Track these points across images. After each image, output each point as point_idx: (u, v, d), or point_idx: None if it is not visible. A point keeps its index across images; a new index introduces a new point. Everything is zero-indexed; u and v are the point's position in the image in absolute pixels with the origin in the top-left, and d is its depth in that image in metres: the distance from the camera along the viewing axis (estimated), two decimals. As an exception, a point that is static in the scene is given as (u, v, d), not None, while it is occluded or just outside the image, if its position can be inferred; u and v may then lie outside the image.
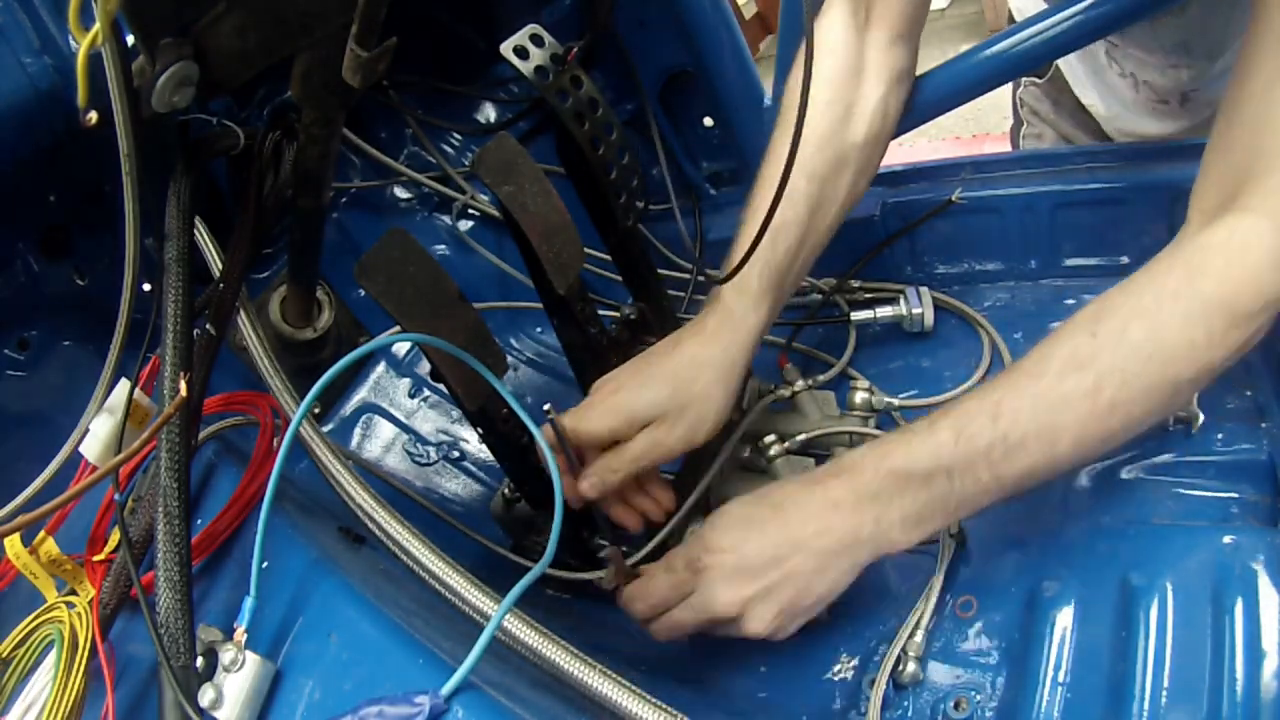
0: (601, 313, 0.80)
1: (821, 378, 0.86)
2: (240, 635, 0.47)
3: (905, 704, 0.62)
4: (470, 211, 1.13)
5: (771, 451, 0.76)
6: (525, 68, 0.70)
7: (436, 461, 1.01)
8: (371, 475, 0.89)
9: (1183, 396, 0.55)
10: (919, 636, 0.62)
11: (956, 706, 0.59)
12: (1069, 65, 1.13)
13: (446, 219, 1.14)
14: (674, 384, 0.68)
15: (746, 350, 0.70)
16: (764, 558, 0.60)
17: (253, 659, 0.46)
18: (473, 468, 1.00)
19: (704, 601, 0.61)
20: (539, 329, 1.13)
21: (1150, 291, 0.53)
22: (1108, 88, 1.10)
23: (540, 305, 0.77)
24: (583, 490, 0.68)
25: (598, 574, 0.70)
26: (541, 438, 0.61)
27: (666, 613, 0.64)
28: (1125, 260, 0.84)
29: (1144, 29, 0.96)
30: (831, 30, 0.73)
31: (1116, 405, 0.53)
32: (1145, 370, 0.52)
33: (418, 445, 1.02)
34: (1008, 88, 1.23)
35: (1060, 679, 0.56)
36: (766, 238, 0.61)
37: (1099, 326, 0.53)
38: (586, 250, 0.74)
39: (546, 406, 0.66)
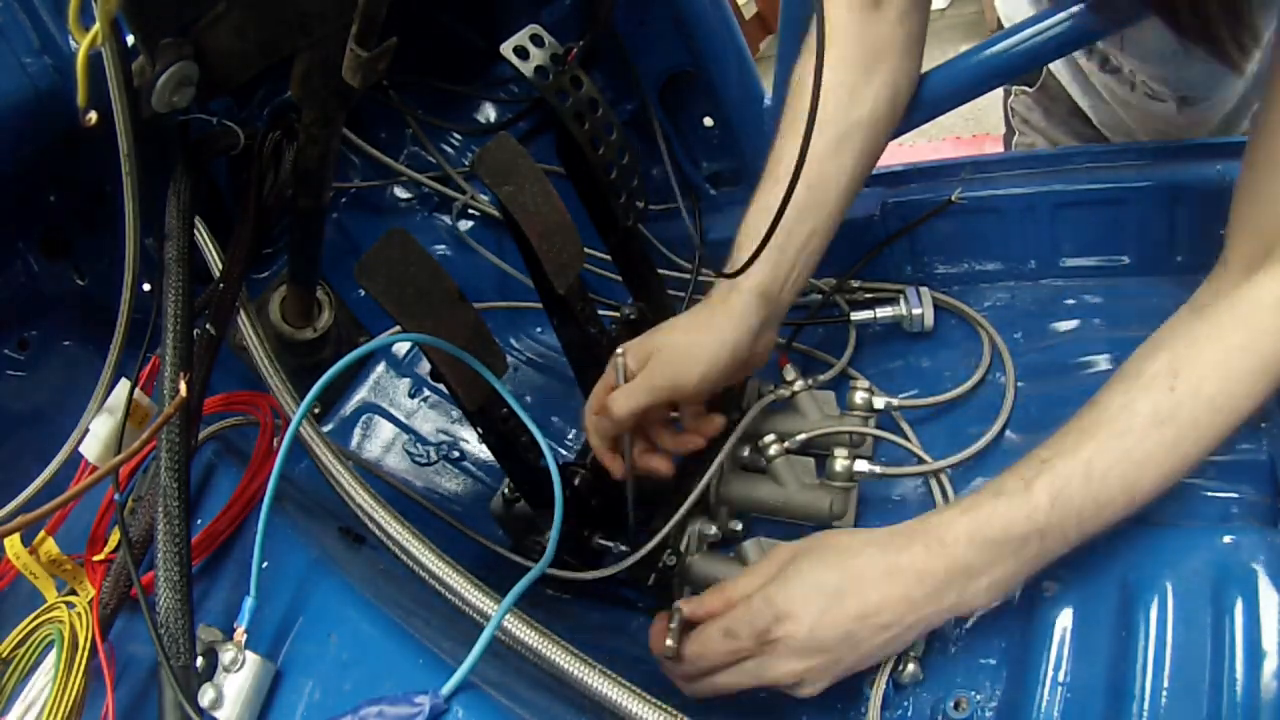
0: (601, 313, 0.80)
1: (822, 378, 0.86)
2: (240, 635, 0.47)
3: (905, 704, 0.62)
4: (470, 211, 1.13)
5: (771, 451, 0.76)
6: (525, 68, 0.70)
7: (436, 461, 1.01)
8: (371, 475, 0.89)
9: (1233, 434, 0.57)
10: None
11: (956, 706, 0.59)
12: (1061, 71, 1.13)
13: (446, 219, 1.14)
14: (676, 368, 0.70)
15: (763, 327, 0.72)
16: (838, 634, 0.56)
17: (253, 659, 0.46)
18: (473, 468, 1.00)
19: (762, 670, 0.58)
20: (539, 329, 1.13)
21: (1220, 348, 0.56)
22: (1099, 89, 1.10)
23: (540, 305, 0.77)
24: (593, 444, 0.73)
25: (601, 572, 0.71)
26: (539, 435, 0.61)
27: (711, 674, 0.61)
28: (1125, 260, 0.84)
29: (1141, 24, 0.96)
30: (837, 10, 0.72)
31: (1191, 455, 0.56)
32: (1215, 421, 0.56)
33: (418, 445, 1.02)
34: (1006, 89, 1.23)
35: (1060, 679, 0.56)
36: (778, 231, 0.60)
37: (1177, 382, 0.56)
38: (586, 250, 0.74)
39: (620, 350, 0.71)
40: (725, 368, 0.70)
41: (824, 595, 0.56)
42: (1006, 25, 0.85)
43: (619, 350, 0.71)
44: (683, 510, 0.73)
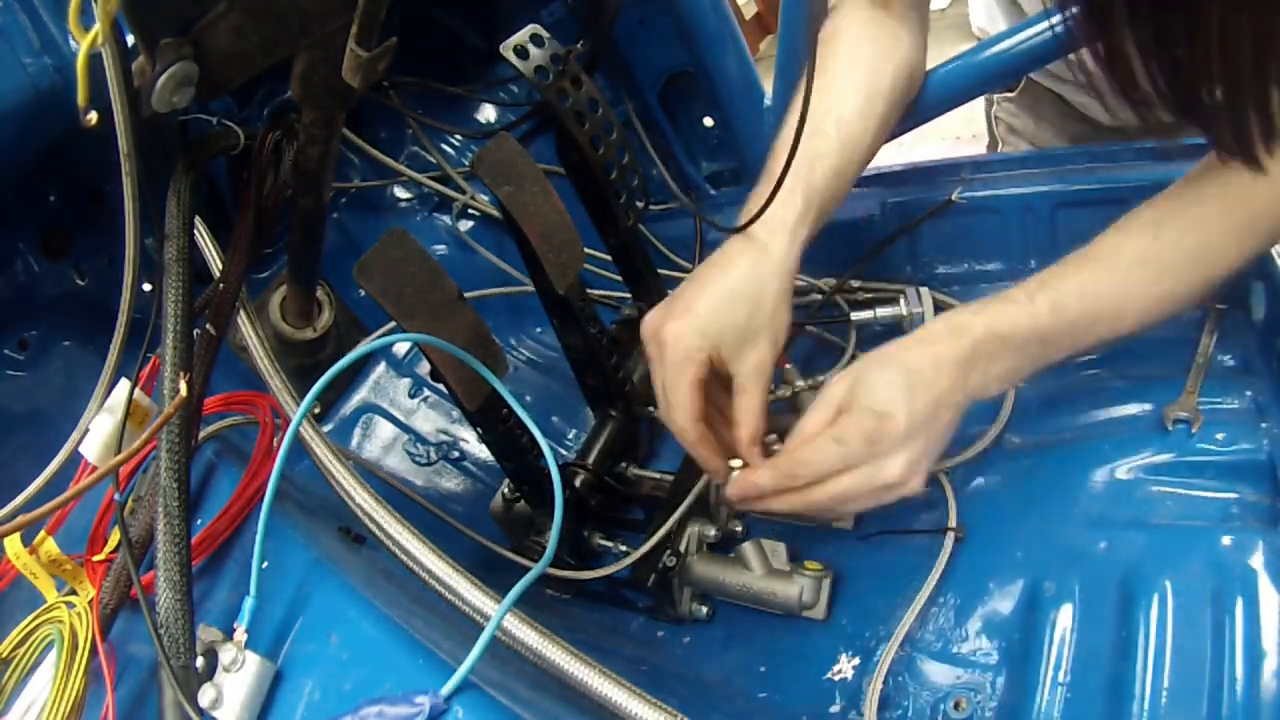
0: (601, 312, 0.80)
1: (821, 378, 0.86)
2: (240, 635, 0.47)
3: (905, 704, 0.62)
4: (470, 211, 1.13)
5: (773, 450, 0.76)
6: (525, 68, 0.70)
7: (436, 461, 1.01)
8: (371, 475, 0.89)
9: (1214, 286, 0.65)
10: (919, 636, 0.62)
11: (956, 706, 0.59)
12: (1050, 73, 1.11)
13: (446, 219, 1.14)
14: (749, 306, 0.66)
15: (795, 266, 0.69)
16: (926, 417, 0.61)
17: (253, 659, 0.46)
18: (473, 468, 1.00)
19: (876, 472, 0.61)
20: (539, 329, 1.13)
21: (1199, 207, 0.63)
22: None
23: (540, 305, 0.77)
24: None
25: (601, 572, 0.70)
26: (539, 435, 0.61)
27: (825, 484, 0.62)
28: (1125, 260, 0.84)
29: None
30: (851, 9, 0.76)
31: (1172, 294, 0.64)
32: (1195, 269, 0.63)
33: (418, 445, 1.02)
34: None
35: (1060, 679, 0.56)
36: (803, 163, 0.63)
37: (1160, 231, 0.63)
38: (586, 250, 0.74)
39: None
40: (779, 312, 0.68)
41: (903, 391, 0.62)
42: (982, 38, 0.84)
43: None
44: (682, 510, 0.73)
